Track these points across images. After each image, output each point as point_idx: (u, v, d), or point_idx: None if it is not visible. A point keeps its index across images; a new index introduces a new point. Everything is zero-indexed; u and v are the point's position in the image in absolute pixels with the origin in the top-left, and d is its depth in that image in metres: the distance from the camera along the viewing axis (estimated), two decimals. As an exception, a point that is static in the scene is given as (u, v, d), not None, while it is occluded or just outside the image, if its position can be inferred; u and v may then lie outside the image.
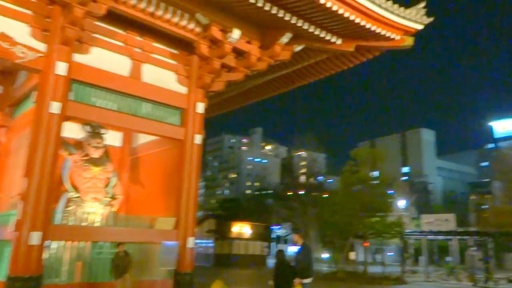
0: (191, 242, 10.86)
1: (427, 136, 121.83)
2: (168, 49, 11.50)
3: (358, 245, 39.91)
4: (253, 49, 11.38)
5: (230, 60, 11.43)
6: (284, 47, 11.38)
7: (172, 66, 11.55)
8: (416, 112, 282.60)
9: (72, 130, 11.06)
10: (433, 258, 42.36)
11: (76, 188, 11.02)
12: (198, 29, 10.80)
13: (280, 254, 9.55)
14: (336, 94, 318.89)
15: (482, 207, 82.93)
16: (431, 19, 11.11)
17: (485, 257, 29.96)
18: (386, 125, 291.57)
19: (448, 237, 33.87)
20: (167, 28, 10.52)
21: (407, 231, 32.73)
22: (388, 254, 53.94)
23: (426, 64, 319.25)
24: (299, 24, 10.36)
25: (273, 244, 57.61)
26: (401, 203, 36.38)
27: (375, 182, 33.12)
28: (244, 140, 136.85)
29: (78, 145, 11.30)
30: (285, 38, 11.15)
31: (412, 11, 10.91)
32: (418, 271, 34.86)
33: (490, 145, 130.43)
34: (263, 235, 45.89)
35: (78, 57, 9.69)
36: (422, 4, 11.06)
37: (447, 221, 30.47)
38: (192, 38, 10.98)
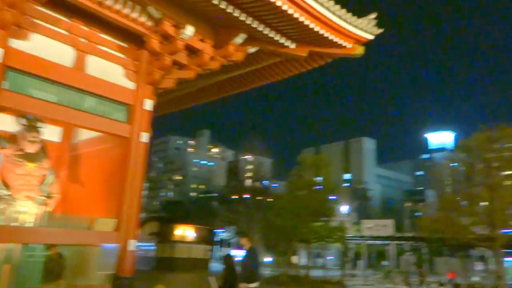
0: (132, 244, 10.35)
1: (369, 144, 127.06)
2: (116, 41, 10.94)
3: (301, 249, 40.54)
4: (207, 47, 11.11)
5: (182, 58, 11.07)
6: (237, 47, 11.22)
7: (119, 60, 10.99)
8: (359, 121, 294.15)
9: (5, 122, 10.19)
10: (371, 262, 44.00)
11: (7, 185, 10.12)
12: (149, 23, 10.37)
13: (229, 258, 9.34)
14: (284, 100, 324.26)
15: (416, 214, 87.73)
16: (381, 30, 11.45)
17: (419, 261, 31.61)
18: (331, 133, 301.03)
19: (386, 242, 35.33)
20: (116, 19, 9.99)
21: (348, 235, 33.71)
22: (328, 258, 55.36)
23: (371, 75, 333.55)
24: (254, 25, 10.26)
25: (216, 247, 57.12)
26: (344, 208, 37.41)
27: (319, 187, 33.81)
28: (191, 142, 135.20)
29: (12, 138, 10.39)
30: (239, 39, 11.01)
31: (363, 21, 11.18)
32: (357, 275, 36.01)
33: (425, 156, 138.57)
34: (207, 238, 45.29)
35: (16, 43, 8.93)
36: (373, 15, 11.37)
37: (385, 226, 31.77)
38: (143, 32, 10.51)
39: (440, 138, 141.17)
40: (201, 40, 11.01)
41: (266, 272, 35.32)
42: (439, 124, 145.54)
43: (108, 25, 10.31)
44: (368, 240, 32.82)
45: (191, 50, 11.11)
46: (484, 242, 25.71)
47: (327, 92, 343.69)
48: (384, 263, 44.95)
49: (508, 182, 26.42)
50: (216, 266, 36.60)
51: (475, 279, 33.48)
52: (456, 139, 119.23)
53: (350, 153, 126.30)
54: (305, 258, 41.53)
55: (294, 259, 37.37)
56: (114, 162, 11.13)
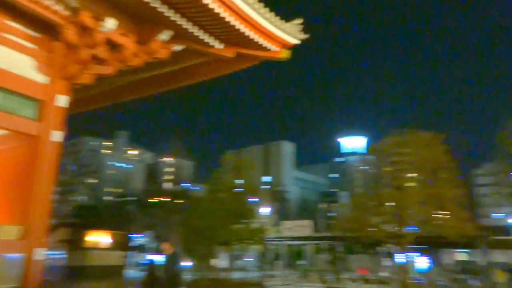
0: (39, 254, 9.43)
1: (287, 148, 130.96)
2: (27, 30, 9.93)
3: (221, 252, 40.40)
4: (129, 43, 10.55)
5: (102, 52, 10.38)
6: (162, 45, 10.80)
7: (30, 51, 9.99)
8: (279, 125, 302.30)
9: None
10: (289, 262, 45.29)
11: None
12: (65, 12, 9.56)
13: (150, 265, 8.89)
14: (206, 102, 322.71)
15: (331, 214, 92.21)
16: (306, 36, 11.76)
17: (334, 260, 33.22)
18: (252, 136, 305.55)
19: (305, 242, 36.61)
20: (26, 5, 9.06)
21: (268, 237, 34.25)
22: (248, 259, 55.90)
23: (291, 80, 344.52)
24: (181, 22, 9.95)
25: (132, 253, 54.81)
26: (264, 210, 38.04)
27: (240, 189, 33.93)
28: (107, 144, 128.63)
29: None
30: (164, 36, 10.60)
31: (290, 26, 11.40)
32: (276, 275, 36.74)
33: (339, 159, 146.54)
34: (123, 244, 43.11)
35: None
36: (300, 21, 11.63)
37: (304, 227, 32.85)
38: (58, 22, 9.67)
39: (353, 143, 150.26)
40: (123, 35, 10.43)
41: (186, 276, 34.62)
42: (353, 129, 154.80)
43: (17, 11, 9.32)
44: (287, 240, 33.74)
45: (112, 45, 10.46)
46: (393, 239, 27.56)
47: (249, 96, 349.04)
48: (301, 262, 46.58)
49: (412, 184, 28.55)
50: (133, 273, 35.07)
51: (384, 274, 35.95)
52: (368, 143, 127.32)
53: (269, 156, 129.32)
54: (226, 260, 41.47)
55: (214, 262, 37.11)
56: (21, 163, 10.08)
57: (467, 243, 31.08)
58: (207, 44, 10.91)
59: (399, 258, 35.42)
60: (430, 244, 35.17)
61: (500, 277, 25.41)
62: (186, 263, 45.82)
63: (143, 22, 10.45)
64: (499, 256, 40.07)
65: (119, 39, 10.35)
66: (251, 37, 10.68)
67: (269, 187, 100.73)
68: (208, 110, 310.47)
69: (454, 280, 29.58)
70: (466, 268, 39.31)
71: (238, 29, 10.23)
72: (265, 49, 11.44)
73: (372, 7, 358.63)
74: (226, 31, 10.41)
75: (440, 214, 27.28)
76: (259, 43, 11.07)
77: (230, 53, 11.37)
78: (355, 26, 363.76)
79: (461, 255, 50.86)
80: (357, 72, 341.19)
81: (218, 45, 11.05)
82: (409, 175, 29.14)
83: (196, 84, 13.40)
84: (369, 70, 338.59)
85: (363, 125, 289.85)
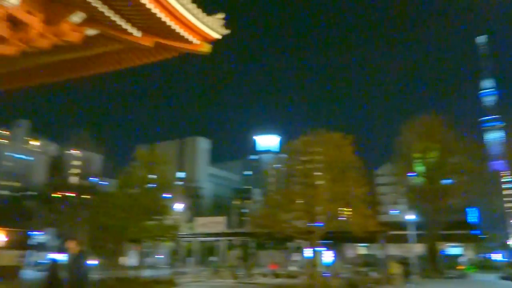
0: None
1: (203, 144, 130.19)
2: None
3: (130, 249, 38.93)
4: (35, 21, 9.59)
5: (2, 29, 9.31)
6: (74, 27, 9.99)
7: None
8: (195, 120, 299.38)
9: None
10: (202, 259, 45.07)
11: None
12: (-43, -20, 8.41)
13: (53, 264, 8.17)
14: (119, 94, 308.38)
15: (244, 210, 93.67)
16: (228, 31, 11.65)
17: (246, 255, 33.75)
18: (167, 131, 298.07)
19: (218, 238, 36.59)
20: None
21: (181, 233, 33.70)
22: (159, 257, 54.51)
23: (209, 75, 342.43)
24: (96, 5, 9.27)
25: (31, 252, 50.55)
26: (178, 206, 37.31)
27: (153, 185, 33.01)
28: (4, 133, 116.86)
29: None
30: (76, 17, 9.82)
31: (212, 20, 11.21)
32: (188, 272, 36.29)
33: (253, 156, 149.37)
34: (20, 242, 39.70)
35: None
36: (222, 16, 11.49)
37: (218, 223, 32.84)
38: None
39: (267, 141, 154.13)
40: (29, 12, 9.46)
41: (92, 276, 32.77)
42: (267, 128, 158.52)
43: None
44: (200, 237, 33.48)
45: (15, 22, 9.43)
46: (304, 235, 28.70)
47: (166, 90, 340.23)
48: (213, 258, 46.58)
49: (322, 182, 29.97)
50: (31, 273, 32.36)
51: (293, 268, 37.36)
52: (282, 142, 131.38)
53: (184, 151, 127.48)
54: (135, 258, 40.05)
55: (123, 260, 35.65)
56: None
57: (369, 238, 33.43)
58: (124, 31, 10.32)
59: (308, 252, 37.13)
60: (336, 239, 37.27)
61: (395, 268, 27.67)
62: (92, 262, 43.44)
63: (53, 1, 9.58)
64: (395, 250, 43.82)
65: (24, 16, 9.37)
66: (172, 27, 10.31)
67: (183, 183, 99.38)
68: (121, 101, 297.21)
69: (356, 272, 31.67)
70: (366, 261, 42.36)
71: (159, 18, 9.81)
72: (186, 41, 11.13)
73: (291, 7, 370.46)
74: (145, 18, 9.93)
75: (346, 211, 29.04)
76: (180, 34, 10.74)
77: (148, 42, 10.87)
78: (275, 25, 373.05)
79: (362, 249, 54.79)
80: (273, 72, 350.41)
81: (136, 33, 10.51)
82: (319, 173, 30.58)
83: (109, 73, 12.64)
84: (285, 70, 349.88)
85: (278, 124, 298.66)
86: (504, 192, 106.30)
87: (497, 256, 60.39)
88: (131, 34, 10.52)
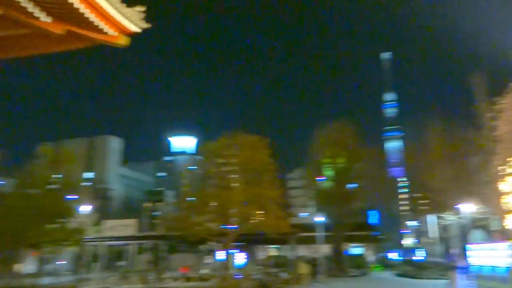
0: None
1: (115, 144, 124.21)
2: None
3: (28, 255, 35.75)
4: None
5: None
6: (-32, 5, 8.87)
7: None
8: (107, 118, 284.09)
9: None
10: (109, 264, 42.78)
11: None
12: None
13: None
14: (19, 85, 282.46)
15: (156, 213, 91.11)
16: (149, 25, 11.18)
17: (157, 259, 32.72)
18: (76, 128, 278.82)
19: (128, 242, 34.97)
20: None
21: (87, 237, 31.75)
22: (61, 263, 50.69)
23: (124, 71, 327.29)
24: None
25: None
26: (84, 208, 35.08)
27: (57, 185, 30.80)
28: None
29: None
30: (-28, -5, 8.72)
31: (132, 12, 10.68)
32: (93, 278, 34.26)
33: (168, 158, 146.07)
34: None
35: None
36: (142, 8, 10.99)
37: (128, 226, 31.49)
38: None
39: (183, 142, 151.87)
40: None
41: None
42: (183, 129, 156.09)
43: None
44: (109, 241, 31.73)
45: None
46: (218, 237, 28.69)
47: (76, 84, 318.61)
48: (121, 263, 44.47)
49: (237, 184, 30.28)
50: None
51: (205, 271, 37.02)
52: (198, 144, 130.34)
53: (94, 150, 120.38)
54: (33, 265, 36.90)
55: (19, 267, 32.62)
56: None
57: (280, 239, 34.47)
58: (30, 14, 9.38)
59: (220, 255, 37.11)
60: (249, 241, 37.82)
61: (303, 269, 28.76)
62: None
63: None
64: (304, 251, 45.64)
65: None
66: (86, 15, 9.62)
67: (91, 184, 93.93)
68: (22, 94, 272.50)
69: (267, 273, 32.32)
70: (277, 262, 43.50)
71: (71, 4, 9.10)
72: (101, 31, 10.47)
73: (212, 10, 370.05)
74: (56, 3, 9.15)
75: (259, 213, 29.62)
76: (95, 24, 10.07)
77: (58, 29, 10.01)
78: (195, 25, 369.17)
79: (272, 250, 56.22)
80: (191, 72, 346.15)
81: (44, 18, 9.62)
82: (235, 176, 30.89)
83: (11, 60, 11.47)
84: (202, 71, 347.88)
85: (194, 126, 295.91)
86: (400, 197, 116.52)
87: (393, 255, 65.77)
88: (38, 18, 9.61)
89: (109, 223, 32.94)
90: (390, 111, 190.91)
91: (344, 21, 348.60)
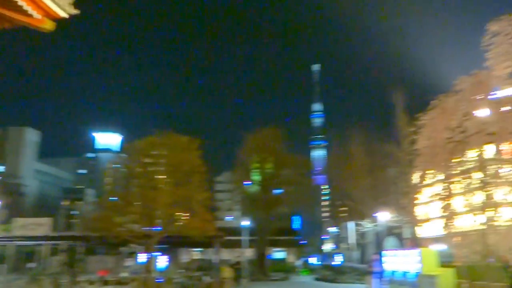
0: None
1: (31, 136, 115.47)
2: None
3: None
4: None
5: None
6: None
7: None
8: (23, 108, 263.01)
9: None
10: (18, 266, 39.48)
11: None
12: None
13: None
14: None
15: (74, 212, 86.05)
16: (77, 12, 10.47)
17: (72, 261, 30.72)
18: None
19: (41, 242, 32.50)
20: None
21: (-7, 237, 29.10)
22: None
23: (47, 59, 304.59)
24: None
25: None
26: (-9, 205, 32.15)
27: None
28: None
29: None
30: None
31: (59, -6, 9.93)
32: (-3, 281, 31.47)
33: (91, 154, 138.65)
34: None
35: None
36: (71, -8, 10.25)
37: (41, 225, 29.33)
38: None
39: (108, 139, 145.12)
40: None
41: None
42: (108, 125, 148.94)
43: None
44: (18, 240, 29.23)
45: None
46: (141, 239, 27.67)
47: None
48: (31, 265, 41.25)
49: (164, 185, 29.50)
50: None
51: (125, 274, 35.54)
52: (123, 142, 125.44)
53: (7, 142, 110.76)
54: None
55: None
56: None
57: (205, 243, 34.13)
58: None
59: (142, 257, 35.86)
60: (173, 243, 37.00)
61: (227, 272, 28.71)
62: None
63: None
64: (228, 254, 45.70)
65: None
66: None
67: (1, 178, 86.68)
68: None
69: (189, 277, 31.83)
70: (200, 265, 43.09)
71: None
72: (25, 13, 9.59)
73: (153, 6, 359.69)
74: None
75: (185, 215, 29.08)
76: (18, 4, 9.21)
77: (-29, 5, 9.03)
78: (129, 18, 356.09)
79: (196, 253, 55.64)
80: (119, 66, 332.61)
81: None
82: (163, 176, 30.08)
83: None
84: (132, 67, 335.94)
85: (120, 123, 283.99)
86: (322, 203, 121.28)
87: (313, 260, 68.12)
88: None
89: (20, 221, 30.34)
90: (317, 121, 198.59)
91: (280, 30, 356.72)
